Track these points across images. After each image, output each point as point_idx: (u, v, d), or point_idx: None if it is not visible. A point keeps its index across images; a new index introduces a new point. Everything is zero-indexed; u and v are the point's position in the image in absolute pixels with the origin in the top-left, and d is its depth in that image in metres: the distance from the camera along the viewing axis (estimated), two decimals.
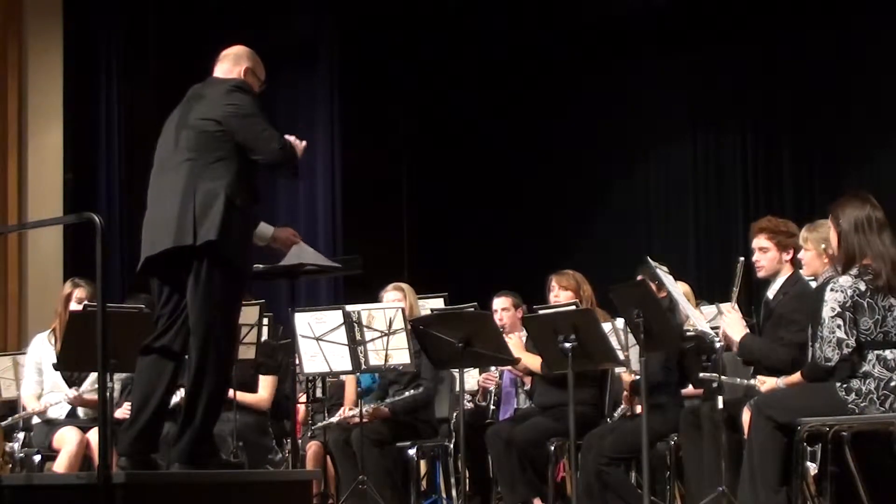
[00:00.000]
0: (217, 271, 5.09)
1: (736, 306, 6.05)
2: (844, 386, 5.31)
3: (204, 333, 5.06)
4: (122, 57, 11.09)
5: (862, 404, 5.26)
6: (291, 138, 5.40)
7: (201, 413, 5.09)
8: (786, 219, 6.40)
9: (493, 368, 7.74)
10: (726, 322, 5.99)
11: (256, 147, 5.18)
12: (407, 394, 7.33)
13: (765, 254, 6.18)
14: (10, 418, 7.50)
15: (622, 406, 7.08)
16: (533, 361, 7.04)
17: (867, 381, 5.27)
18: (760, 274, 6.22)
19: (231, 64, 5.45)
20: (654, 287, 6.47)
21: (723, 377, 6.01)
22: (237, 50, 5.52)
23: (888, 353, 5.29)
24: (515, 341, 7.13)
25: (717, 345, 6.04)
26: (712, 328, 6.15)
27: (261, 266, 6.44)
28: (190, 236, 5.05)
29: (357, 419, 7.14)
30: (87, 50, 10.99)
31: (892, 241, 5.39)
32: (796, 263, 6.15)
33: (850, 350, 5.28)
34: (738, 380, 6.05)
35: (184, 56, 10.45)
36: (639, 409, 6.77)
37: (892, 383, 5.26)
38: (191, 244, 5.04)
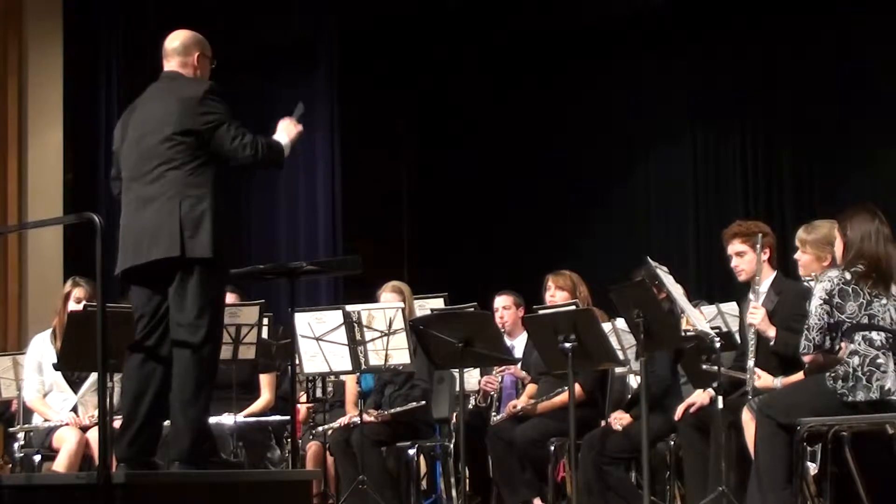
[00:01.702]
0: (205, 274, 5.12)
1: (759, 305, 6.07)
2: (832, 375, 5.31)
3: (198, 334, 5.08)
4: (122, 57, 11.07)
5: (850, 386, 5.25)
6: (287, 124, 5.45)
7: (199, 413, 5.09)
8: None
9: (494, 371, 7.74)
10: (756, 318, 6.00)
11: (231, 157, 5.20)
12: (409, 406, 7.32)
13: (742, 258, 6.26)
14: (24, 424, 7.51)
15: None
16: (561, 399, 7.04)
17: (852, 360, 5.27)
18: (742, 278, 6.28)
19: (183, 56, 5.46)
20: (654, 287, 6.47)
21: (723, 369, 6.04)
22: (183, 38, 5.51)
23: (874, 335, 5.30)
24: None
25: (717, 344, 6.05)
26: (712, 328, 6.15)
27: (261, 266, 6.44)
28: (177, 247, 5.07)
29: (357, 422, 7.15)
30: (87, 50, 10.98)
31: (894, 258, 5.43)
32: (772, 263, 6.22)
33: (833, 333, 5.30)
34: (743, 376, 6.05)
35: None
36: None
37: (878, 360, 5.25)
38: (179, 255, 5.06)
